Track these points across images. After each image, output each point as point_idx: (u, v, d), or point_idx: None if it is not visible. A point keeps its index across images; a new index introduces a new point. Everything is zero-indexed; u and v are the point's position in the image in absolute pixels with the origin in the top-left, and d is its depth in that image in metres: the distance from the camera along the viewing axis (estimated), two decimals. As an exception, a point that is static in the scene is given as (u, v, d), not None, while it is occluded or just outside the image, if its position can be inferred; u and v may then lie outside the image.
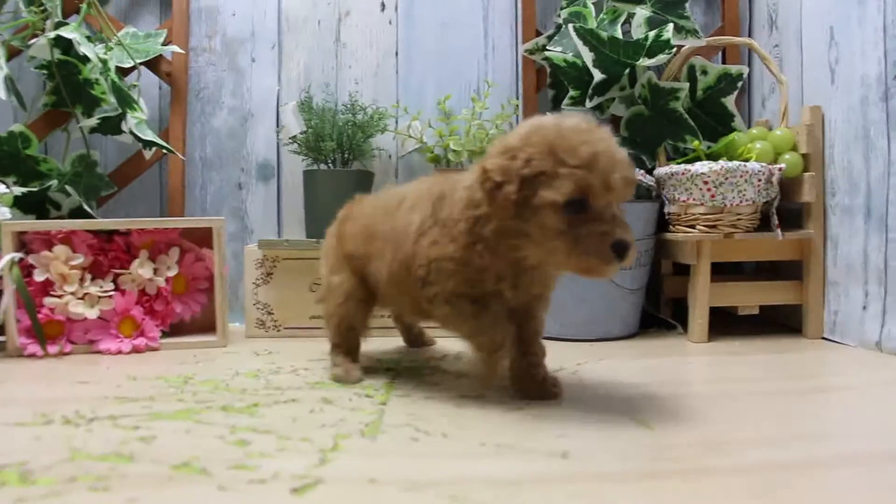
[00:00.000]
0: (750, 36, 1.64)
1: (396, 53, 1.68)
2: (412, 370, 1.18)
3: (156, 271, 1.41)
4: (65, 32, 1.41)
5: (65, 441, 0.81)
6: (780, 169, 1.35)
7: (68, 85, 1.48)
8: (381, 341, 1.40)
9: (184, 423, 0.87)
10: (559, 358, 1.27)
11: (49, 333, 1.32)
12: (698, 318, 1.37)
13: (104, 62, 1.45)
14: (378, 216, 1.06)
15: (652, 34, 1.40)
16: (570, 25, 1.43)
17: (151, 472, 0.71)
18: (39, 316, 1.31)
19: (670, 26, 1.39)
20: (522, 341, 0.99)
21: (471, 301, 0.92)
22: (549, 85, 1.61)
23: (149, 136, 1.48)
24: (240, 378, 1.13)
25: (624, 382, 1.09)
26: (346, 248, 1.13)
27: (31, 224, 1.37)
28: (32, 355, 1.29)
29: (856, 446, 0.78)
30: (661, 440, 0.80)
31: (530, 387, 0.98)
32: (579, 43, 1.41)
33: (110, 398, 1.00)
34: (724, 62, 1.63)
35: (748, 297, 1.40)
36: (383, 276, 1.03)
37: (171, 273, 1.42)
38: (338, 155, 1.56)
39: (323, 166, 1.56)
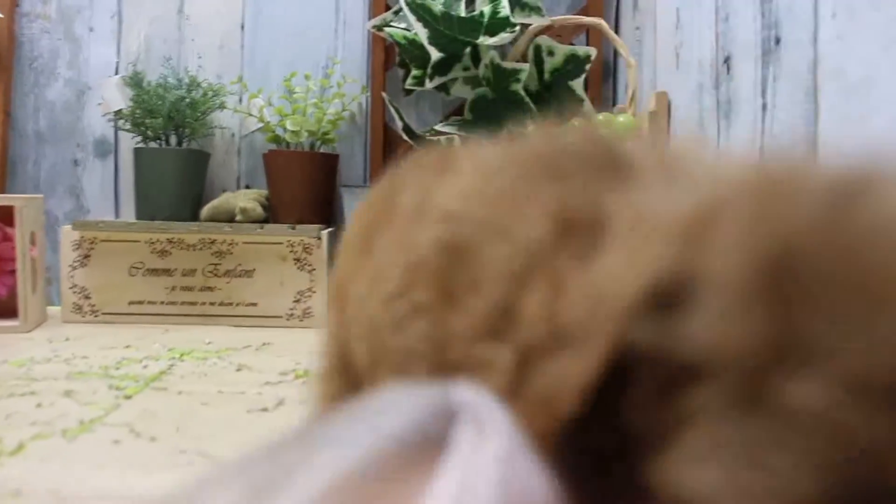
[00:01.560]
0: (617, 18, 1.56)
1: (242, 26, 1.58)
2: (200, 360, 1.09)
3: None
4: None
5: None
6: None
7: None
8: (194, 330, 1.31)
9: None
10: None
11: None
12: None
13: None
14: None
15: (488, 10, 1.31)
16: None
17: None
18: None
19: (506, 1, 1.30)
20: None
21: None
22: (397, 64, 1.52)
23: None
24: (2, 367, 1.03)
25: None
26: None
27: None
28: None
29: None
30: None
31: None
32: (412, 18, 1.32)
33: None
34: (587, 44, 1.54)
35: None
36: None
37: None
38: (171, 133, 1.46)
39: (153, 144, 1.46)
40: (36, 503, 0.57)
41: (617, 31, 1.55)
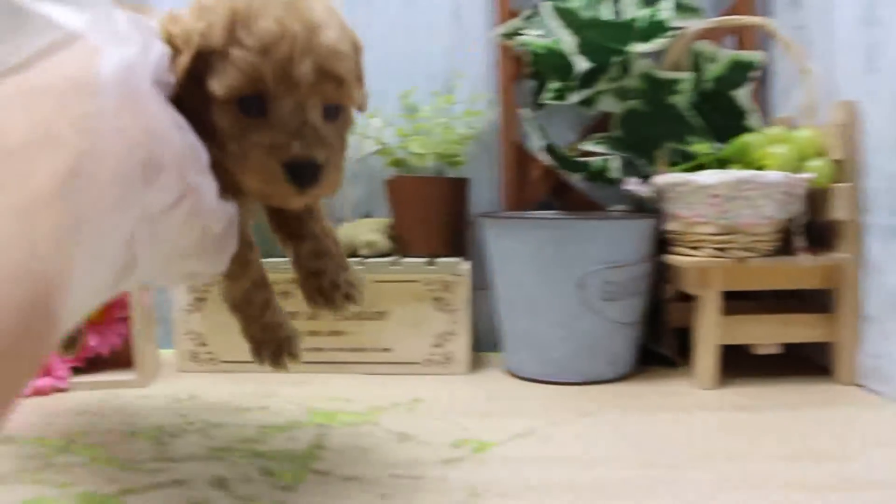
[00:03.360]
0: (769, 15, 1.38)
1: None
2: (349, 426, 0.96)
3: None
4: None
5: None
6: (806, 179, 1.10)
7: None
8: (323, 381, 1.18)
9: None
10: (533, 408, 1.04)
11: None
12: (705, 359, 1.13)
13: None
14: None
15: (644, 14, 1.16)
16: (547, 4, 1.18)
17: None
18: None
19: (667, 3, 1.14)
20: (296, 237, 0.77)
21: None
22: (529, 76, 1.36)
23: None
24: (134, 441, 0.91)
25: (605, 458, 0.85)
26: None
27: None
28: None
29: None
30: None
31: (315, 297, 0.77)
32: (557, 25, 1.17)
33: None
34: (739, 48, 1.37)
35: (767, 333, 1.16)
36: None
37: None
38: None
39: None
40: None
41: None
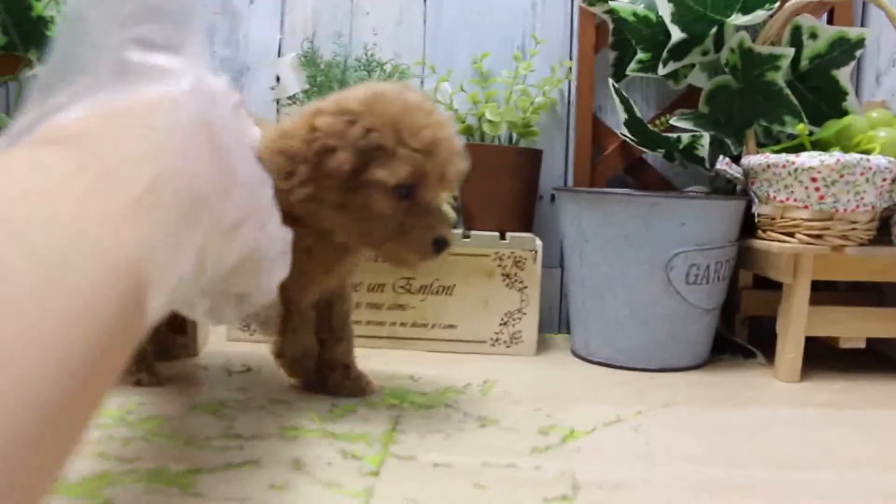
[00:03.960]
0: (862, -8, 1.31)
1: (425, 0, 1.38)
2: (423, 408, 0.91)
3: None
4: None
5: None
6: (912, 165, 1.04)
7: (18, 24, 1.21)
8: (384, 356, 1.12)
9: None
10: (612, 394, 0.99)
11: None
12: (790, 351, 1.07)
13: (58, -2, 1.18)
14: None
15: (749, -17, 1.09)
16: (646, -32, 1.11)
17: None
18: None
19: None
20: (328, 329, 0.95)
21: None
22: (610, 45, 1.29)
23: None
24: (195, 415, 0.86)
25: (700, 449, 0.80)
26: None
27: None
28: None
29: None
30: None
31: (342, 383, 0.95)
32: (655, -9, 1.10)
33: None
34: (829, 23, 1.29)
35: (855, 327, 1.10)
36: None
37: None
38: (347, 120, 1.26)
39: (328, 134, 1.27)
40: None
41: (864, 11, 1.31)
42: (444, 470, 0.72)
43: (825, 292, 1.19)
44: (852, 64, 1.19)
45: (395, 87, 0.77)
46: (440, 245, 0.76)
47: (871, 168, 1.02)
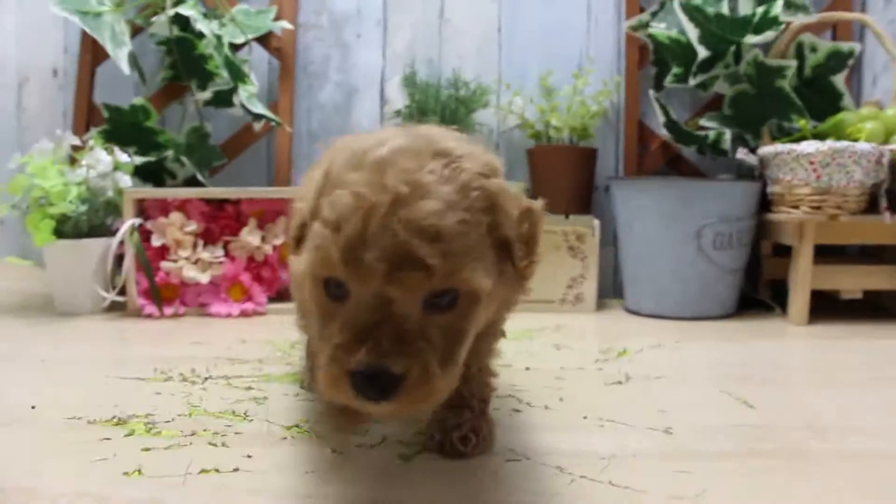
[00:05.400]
0: (863, 10, 1.60)
1: (499, 29, 1.70)
2: (513, 340, 1.21)
3: (263, 239, 1.47)
4: (183, 10, 1.47)
5: (183, 397, 0.87)
6: (890, 150, 1.32)
7: (185, 60, 1.55)
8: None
9: (292, 387, 0.92)
10: (656, 333, 1.28)
11: (165, 296, 1.41)
12: (799, 300, 1.36)
13: (218, 38, 1.51)
14: None
15: (760, 10, 1.38)
16: (676, 1, 1.42)
17: (265, 431, 0.76)
18: (156, 279, 1.39)
19: (779, 2, 1.37)
20: None
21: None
22: (651, 62, 1.60)
23: (259, 109, 1.53)
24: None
25: (723, 362, 1.10)
26: None
27: (150, 192, 1.45)
28: (150, 315, 1.38)
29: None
30: (761, 421, 0.81)
31: (443, 438, 0.69)
32: (684, 19, 1.40)
33: (223, 359, 1.07)
34: (833, 38, 1.59)
35: (852, 281, 1.38)
36: None
37: (278, 241, 1.48)
38: (440, 130, 1.58)
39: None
40: (499, 459, 0.69)
41: (862, 26, 1.60)
42: (533, 372, 1.03)
43: (833, 256, 1.48)
44: (846, 71, 1.48)
45: (382, 133, 0.56)
46: (361, 381, 0.47)
47: (857, 152, 1.30)
